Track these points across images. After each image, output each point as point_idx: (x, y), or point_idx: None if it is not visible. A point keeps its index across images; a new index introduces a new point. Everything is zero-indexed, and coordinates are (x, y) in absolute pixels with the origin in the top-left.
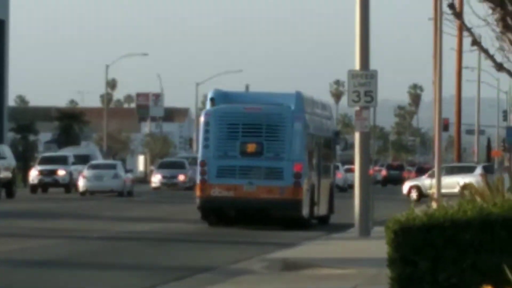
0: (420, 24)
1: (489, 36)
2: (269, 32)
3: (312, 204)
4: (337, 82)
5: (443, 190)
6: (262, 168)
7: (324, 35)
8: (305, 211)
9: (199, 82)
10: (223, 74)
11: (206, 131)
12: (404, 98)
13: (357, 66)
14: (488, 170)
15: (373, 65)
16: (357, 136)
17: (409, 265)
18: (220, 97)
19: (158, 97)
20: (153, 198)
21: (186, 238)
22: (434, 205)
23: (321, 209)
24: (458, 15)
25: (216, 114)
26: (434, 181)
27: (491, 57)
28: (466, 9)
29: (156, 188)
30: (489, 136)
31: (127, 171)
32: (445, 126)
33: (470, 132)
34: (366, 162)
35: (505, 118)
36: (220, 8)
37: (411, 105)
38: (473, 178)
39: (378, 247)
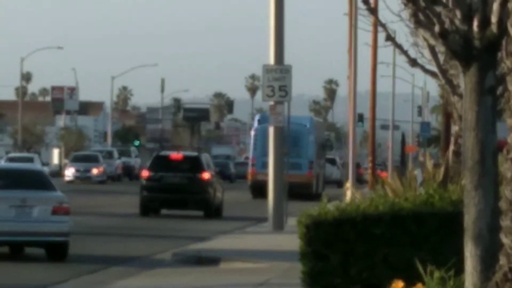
0: (335, 19)
1: (403, 31)
2: (185, 27)
3: (317, 185)
4: (253, 77)
5: None
6: (289, 163)
7: (239, 29)
8: (314, 189)
9: (114, 76)
10: (138, 68)
11: (256, 140)
12: (320, 93)
13: (271, 60)
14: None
15: (288, 60)
16: (271, 130)
17: (321, 259)
18: (263, 118)
19: (73, 90)
20: (67, 192)
21: (100, 231)
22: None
23: (320, 189)
24: (373, 10)
25: (261, 129)
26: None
27: (405, 53)
28: (380, 4)
29: (69, 182)
30: (403, 131)
31: (42, 164)
32: (359, 117)
33: (384, 127)
34: (280, 156)
35: (419, 113)
36: (136, 2)
37: (326, 100)
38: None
39: (291, 241)
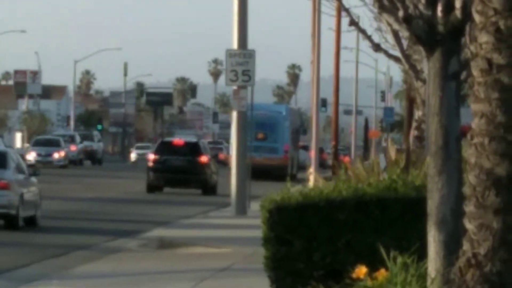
0: (299, 4)
1: (367, 16)
2: (148, 10)
3: (292, 167)
4: (216, 61)
5: None
6: (266, 147)
7: (203, 14)
8: (289, 171)
9: (77, 59)
10: (102, 51)
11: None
12: (283, 78)
13: (235, 45)
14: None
15: (252, 44)
16: (234, 115)
17: (284, 244)
18: None
19: (36, 74)
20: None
21: (63, 216)
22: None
23: (294, 171)
24: None
25: None
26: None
27: (368, 38)
28: None
29: (31, 166)
30: (366, 116)
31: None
32: (323, 102)
33: (348, 112)
34: (243, 141)
35: (383, 98)
36: None
37: (289, 85)
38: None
39: (254, 226)
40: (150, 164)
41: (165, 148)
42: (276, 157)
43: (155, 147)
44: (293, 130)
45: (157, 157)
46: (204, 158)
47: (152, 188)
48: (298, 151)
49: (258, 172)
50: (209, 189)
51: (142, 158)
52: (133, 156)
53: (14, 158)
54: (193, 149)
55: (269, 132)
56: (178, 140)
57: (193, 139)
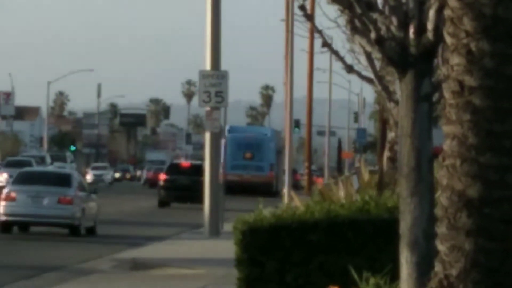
0: (272, 25)
1: (340, 38)
2: (121, 31)
3: (277, 184)
4: (189, 82)
5: None
6: (253, 165)
7: (176, 35)
8: (274, 188)
9: (51, 81)
10: (75, 73)
11: (225, 147)
12: (256, 99)
13: (208, 66)
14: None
15: (225, 65)
16: (207, 136)
17: (257, 265)
18: (232, 129)
19: (9, 95)
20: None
21: (35, 237)
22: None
23: (279, 188)
24: (309, 17)
25: (230, 138)
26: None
27: (341, 59)
28: (317, 10)
29: (2, 187)
30: (340, 137)
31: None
32: (296, 123)
33: (321, 133)
34: (216, 162)
35: (355, 119)
36: (73, 8)
37: (263, 106)
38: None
39: (227, 247)
40: (161, 182)
41: (174, 169)
42: (262, 174)
43: (166, 168)
44: (277, 150)
45: (167, 176)
46: None
47: (163, 203)
48: (282, 169)
49: (245, 188)
50: None
51: (99, 180)
52: (88, 177)
53: (77, 179)
54: (198, 170)
55: (256, 152)
56: (185, 162)
57: (197, 161)
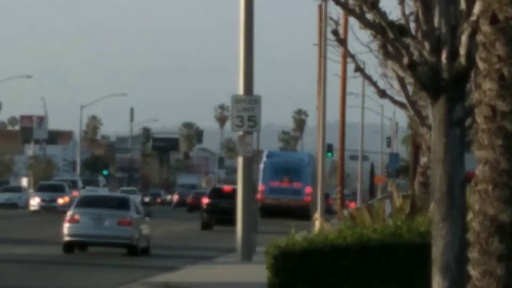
0: (305, 50)
1: (372, 62)
2: (154, 56)
3: (313, 208)
4: (222, 107)
5: None
6: (291, 189)
7: (209, 59)
8: (310, 212)
9: (84, 105)
10: (108, 97)
11: (264, 171)
12: (289, 123)
13: (240, 91)
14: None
15: (257, 89)
16: (240, 161)
17: None
18: (270, 154)
19: (42, 119)
20: (33, 222)
21: (68, 261)
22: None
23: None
24: (342, 41)
25: (268, 163)
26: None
27: (374, 84)
28: (350, 35)
29: (35, 212)
30: (372, 162)
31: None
32: (329, 148)
33: (354, 157)
34: (249, 186)
35: (388, 144)
36: (105, 33)
37: (295, 130)
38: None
39: (260, 271)
40: (204, 206)
41: (215, 193)
42: (299, 198)
43: (208, 192)
44: (314, 175)
45: (209, 200)
46: None
47: (206, 226)
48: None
49: (283, 212)
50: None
51: None
52: None
53: (134, 202)
54: None
55: (293, 176)
56: (227, 186)
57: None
